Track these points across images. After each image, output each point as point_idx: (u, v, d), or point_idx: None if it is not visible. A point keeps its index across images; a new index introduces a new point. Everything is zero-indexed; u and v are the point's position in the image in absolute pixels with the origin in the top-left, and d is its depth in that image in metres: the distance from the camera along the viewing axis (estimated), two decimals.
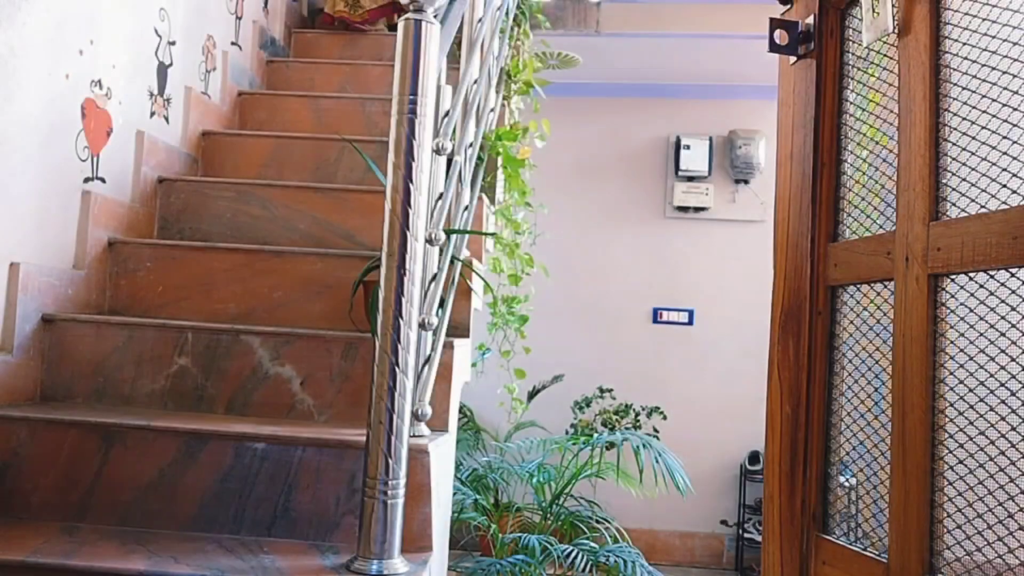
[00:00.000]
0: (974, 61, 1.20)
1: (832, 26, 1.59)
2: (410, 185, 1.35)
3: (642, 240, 5.20)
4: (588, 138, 5.27)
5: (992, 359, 1.12)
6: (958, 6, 1.24)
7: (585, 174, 5.26)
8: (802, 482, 1.53)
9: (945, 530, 1.17)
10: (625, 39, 4.44)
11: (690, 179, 5.17)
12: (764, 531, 1.64)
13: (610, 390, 4.81)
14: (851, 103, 1.55)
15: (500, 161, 2.59)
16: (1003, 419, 1.08)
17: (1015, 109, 1.11)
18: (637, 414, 4.64)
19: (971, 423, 1.13)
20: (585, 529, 3.72)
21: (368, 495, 1.31)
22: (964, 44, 1.22)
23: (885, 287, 1.37)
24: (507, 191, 2.76)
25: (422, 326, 1.58)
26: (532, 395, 4.60)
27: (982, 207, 1.16)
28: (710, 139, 5.14)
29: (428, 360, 1.67)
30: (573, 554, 3.36)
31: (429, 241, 1.64)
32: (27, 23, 1.83)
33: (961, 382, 1.17)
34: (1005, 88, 1.14)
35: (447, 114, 1.80)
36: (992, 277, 1.13)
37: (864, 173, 1.50)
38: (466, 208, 2.14)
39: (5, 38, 1.76)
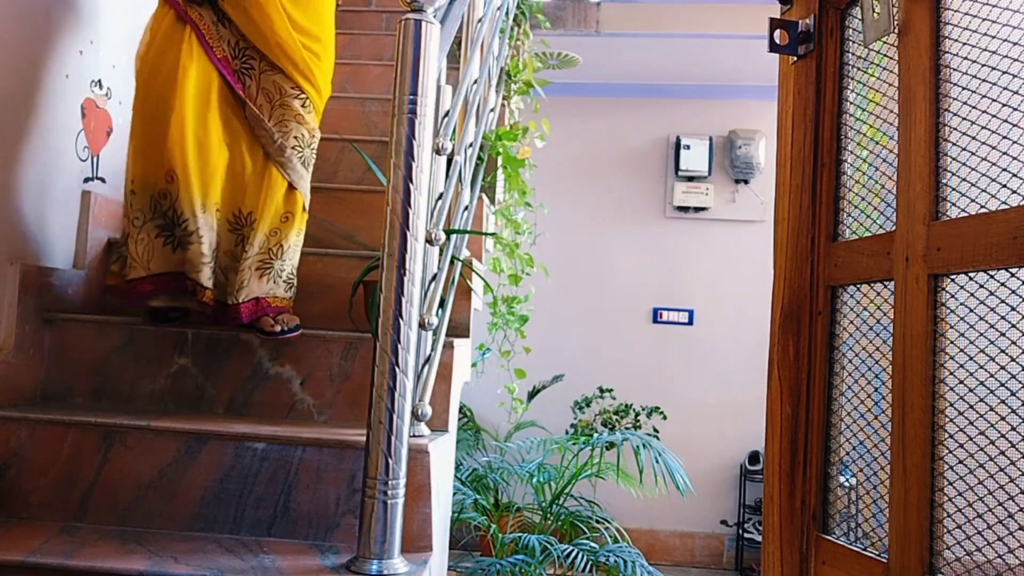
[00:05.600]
0: (974, 61, 1.20)
1: (832, 26, 1.59)
2: (410, 185, 1.35)
3: (642, 240, 5.21)
4: (588, 138, 5.27)
5: (992, 359, 1.12)
6: (958, 6, 1.24)
7: (585, 174, 5.26)
8: (802, 482, 1.53)
9: (945, 530, 1.17)
10: (625, 39, 4.44)
11: (690, 179, 5.18)
12: (764, 531, 1.64)
13: (610, 390, 4.81)
14: (851, 103, 1.55)
15: (500, 161, 2.59)
16: (1003, 419, 1.08)
17: (1015, 109, 1.11)
18: (637, 414, 4.64)
19: (971, 423, 1.13)
20: (585, 529, 3.72)
21: (368, 495, 1.31)
22: (964, 44, 1.22)
23: (885, 287, 1.37)
24: (507, 191, 2.76)
25: (422, 326, 1.58)
26: (532, 395, 4.60)
27: (982, 207, 1.15)
28: (710, 139, 5.14)
29: (428, 360, 1.67)
30: (573, 554, 3.36)
31: (429, 241, 1.64)
32: (26, 23, 1.83)
33: (961, 382, 1.17)
34: (1005, 88, 1.14)
35: (447, 114, 1.81)
36: (992, 277, 1.13)
37: (864, 173, 1.50)
38: (466, 208, 2.14)
39: (4, 39, 1.76)
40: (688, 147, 5.11)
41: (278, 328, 1.82)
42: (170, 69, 1.77)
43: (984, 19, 1.19)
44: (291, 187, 1.85)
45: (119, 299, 1.85)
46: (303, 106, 1.86)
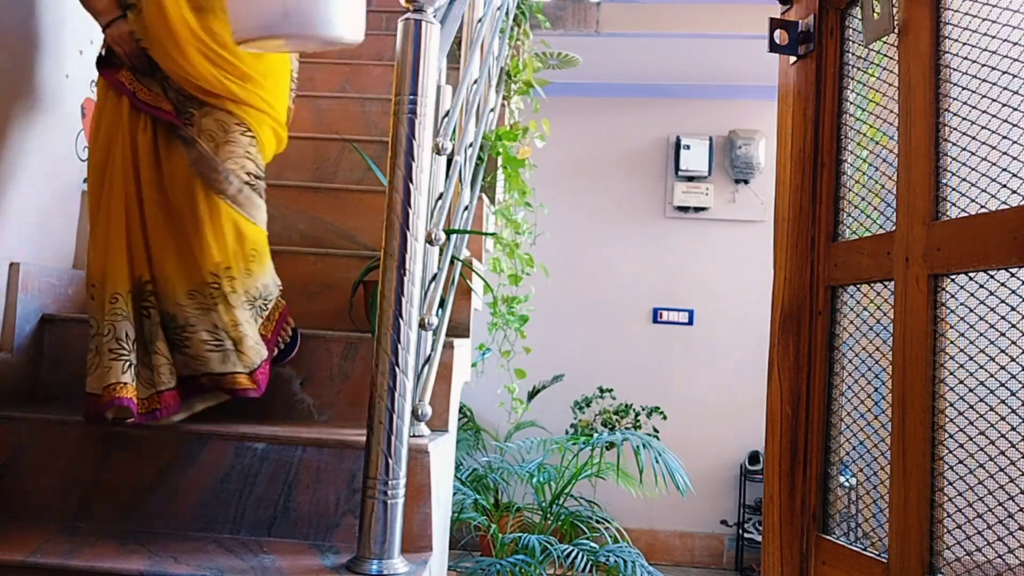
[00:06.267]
0: (974, 61, 1.20)
1: (832, 26, 1.59)
2: (410, 185, 1.35)
3: (642, 240, 5.20)
4: (588, 138, 5.27)
5: (992, 359, 1.12)
6: (958, 6, 1.24)
7: (585, 174, 5.26)
8: (802, 482, 1.53)
9: (945, 530, 1.17)
10: (625, 39, 4.44)
11: (690, 179, 5.17)
12: (764, 531, 1.64)
13: (610, 390, 4.80)
14: (851, 103, 1.55)
15: (500, 161, 2.59)
16: (1003, 419, 1.08)
17: (1015, 109, 1.11)
18: (637, 414, 4.64)
19: (971, 423, 1.13)
20: (585, 529, 3.72)
21: (368, 495, 1.31)
22: (964, 44, 1.22)
23: (885, 287, 1.37)
24: (507, 191, 2.76)
25: (422, 326, 1.58)
26: (532, 395, 4.60)
27: (982, 207, 1.16)
28: (710, 139, 5.13)
29: (428, 360, 1.67)
30: (573, 554, 3.36)
31: (429, 241, 1.64)
32: (26, 22, 1.83)
33: (961, 382, 1.17)
34: (1005, 88, 1.14)
35: (447, 114, 1.81)
36: (992, 277, 1.13)
37: (864, 173, 1.50)
38: (466, 208, 2.14)
39: (4, 39, 1.76)
40: (688, 147, 5.10)
41: (275, 351, 1.75)
42: (118, 158, 1.67)
43: (984, 19, 1.19)
44: (252, 223, 1.72)
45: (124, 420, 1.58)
46: (251, 142, 1.72)
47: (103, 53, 1.72)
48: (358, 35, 1.48)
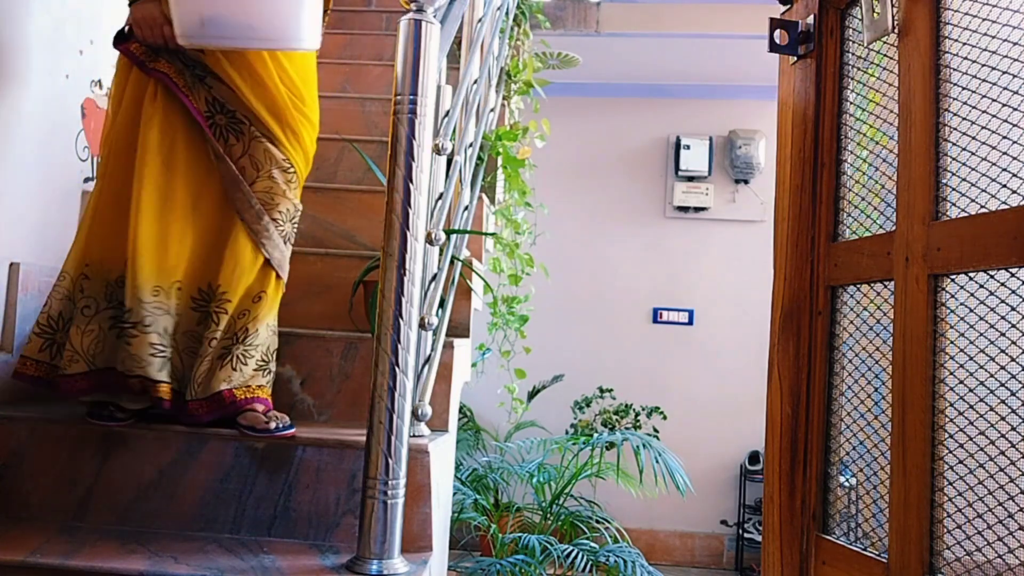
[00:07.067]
0: (974, 61, 1.20)
1: (832, 26, 1.59)
2: (410, 185, 1.35)
3: (642, 240, 5.20)
4: (588, 138, 5.27)
5: (992, 359, 1.12)
6: (958, 6, 1.24)
7: (585, 174, 5.26)
8: (802, 482, 1.53)
9: (945, 530, 1.17)
10: (625, 39, 4.44)
11: (690, 179, 5.18)
12: (764, 531, 1.64)
13: (610, 390, 4.80)
14: (851, 103, 1.55)
15: (500, 161, 2.59)
16: (1003, 419, 1.08)
17: (1015, 109, 1.11)
18: (637, 414, 4.64)
19: (971, 423, 1.13)
20: (585, 529, 3.72)
21: (368, 495, 1.31)
22: (964, 44, 1.22)
23: (885, 287, 1.37)
24: (507, 191, 2.76)
25: (422, 326, 1.58)
26: (532, 395, 4.60)
27: (982, 207, 1.16)
28: (710, 139, 5.14)
29: (428, 360, 1.67)
30: (573, 554, 3.36)
31: (429, 241, 1.64)
32: (27, 22, 1.83)
33: (961, 382, 1.17)
34: (1005, 88, 1.14)
35: (447, 114, 1.81)
36: (992, 277, 1.13)
37: (864, 173, 1.50)
38: (466, 208, 2.14)
39: (4, 37, 1.76)
40: (688, 147, 5.10)
41: (272, 424, 1.58)
42: (134, 137, 1.60)
43: (984, 19, 1.19)
44: (267, 263, 1.66)
45: (43, 390, 1.62)
46: (289, 181, 1.68)
47: (125, 30, 1.63)
48: (302, 42, 1.49)
